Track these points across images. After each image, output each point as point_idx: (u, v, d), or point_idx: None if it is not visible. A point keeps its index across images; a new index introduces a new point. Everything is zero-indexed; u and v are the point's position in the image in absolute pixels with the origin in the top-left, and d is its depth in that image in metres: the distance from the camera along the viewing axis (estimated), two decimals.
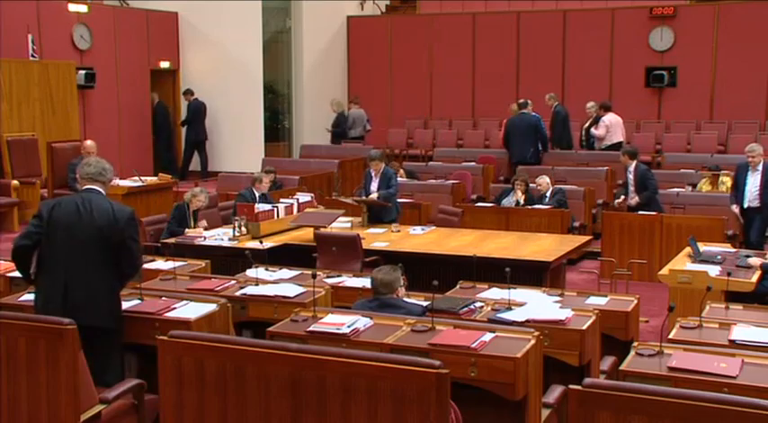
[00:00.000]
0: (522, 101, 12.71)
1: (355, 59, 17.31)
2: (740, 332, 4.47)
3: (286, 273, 6.07)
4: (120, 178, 10.18)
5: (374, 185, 8.54)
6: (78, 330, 3.96)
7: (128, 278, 4.69)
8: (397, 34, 16.93)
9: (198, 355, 3.65)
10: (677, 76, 14.79)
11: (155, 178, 11.15)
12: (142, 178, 10.40)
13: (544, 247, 7.36)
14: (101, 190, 4.65)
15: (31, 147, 12.06)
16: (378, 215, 8.43)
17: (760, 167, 8.58)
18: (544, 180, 9.88)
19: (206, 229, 8.14)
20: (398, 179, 9.43)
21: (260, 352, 3.57)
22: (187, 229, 7.97)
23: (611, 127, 12.73)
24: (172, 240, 7.70)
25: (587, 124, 13.04)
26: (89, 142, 10.16)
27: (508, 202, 9.81)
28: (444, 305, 4.81)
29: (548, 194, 9.78)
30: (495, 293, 5.36)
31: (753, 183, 8.67)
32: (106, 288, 4.55)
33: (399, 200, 8.97)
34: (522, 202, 9.71)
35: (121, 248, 4.50)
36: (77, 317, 4.07)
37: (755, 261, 6.50)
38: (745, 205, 8.71)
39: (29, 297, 5.04)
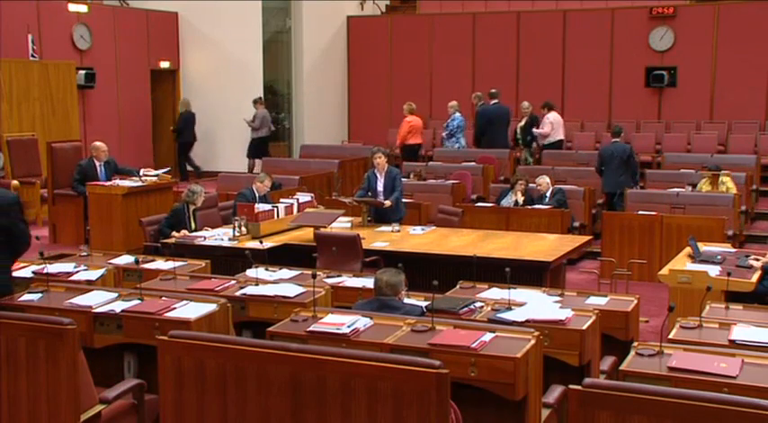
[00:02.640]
0: (493, 90, 13.37)
1: (355, 59, 17.31)
2: (740, 332, 4.47)
3: (286, 273, 6.07)
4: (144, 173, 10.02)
5: (380, 185, 8.54)
6: None
7: (20, 254, 5.09)
8: (397, 34, 16.93)
9: (198, 355, 3.65)
10: (677, 76, 14.79)
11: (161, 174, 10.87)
12: (152, 174, 10.22)
13: (544, 247, 7.36)
14: None
15: (30, 147, 12.06)
16: (383, 215, 8.42)
17: None
18: (544, 180, 9.89)
19: (205, 228, 8.14)
20: (406, 179, 9.50)
21: (260, 352, 3.57)
22: (184, 232, 7.97)
23: (555, 125, 13.20)
24: (172, 240, 7.70)
25: (522, 123, 13.45)
26: (99, 143, 10.12)
27: (507, 202, 9.82)
28: (444, 305, 4.81)
29: (548, 194, 9.79)
30: (495, 293, 5.36)
31: None
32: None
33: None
34: (520, 202, 9.71)
35: (10, 229, 4.89)
36: None
37: (756, 262, 6.50)
38: None
39: (29, 297, 5.05)
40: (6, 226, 4.87)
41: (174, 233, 7.90)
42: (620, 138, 11.18)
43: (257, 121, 14.82)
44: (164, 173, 10.16)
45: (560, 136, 13.33)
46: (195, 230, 8.09)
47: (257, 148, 14.86)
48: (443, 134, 13.53)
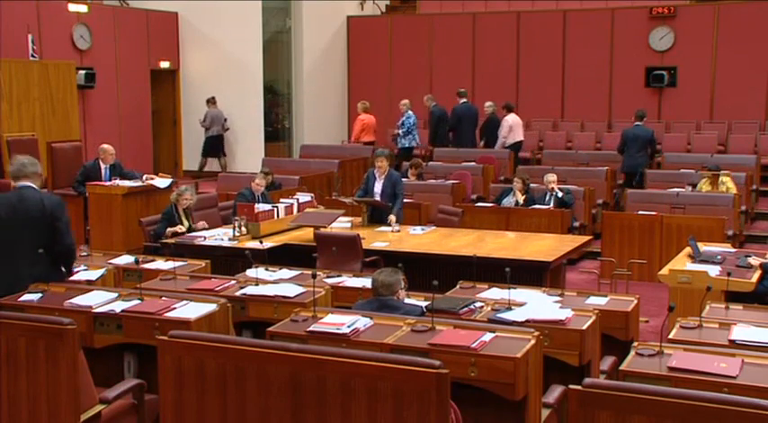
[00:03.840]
0: (461, 89, 14.01)
1: (355, 59, 17.31)
2: (740, 332, 4.47)
3: (286, 273, 6.07)
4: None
5: (378, 186, 8.52)
6: None
7: (60, 256, 5.22)
8: (397, 34, 16.93)
9: (198, 355, 3.65)
10: (677, 76, 14.79)
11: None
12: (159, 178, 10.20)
13: (544, 247, 7.36)
14: (34, 185, 5.21)
15: (31, 147, 12.02)
16: (381, 217, 8.42)
17: None
18: (552, 178, 9.83)
19: (205, 228, 8.14)
20: (407, 180, 9.48)
21: (260, 352, 3.57)
22: (180, 226, 8.01)
23: (513, 127, 13.47)
24: (172, 240, 7.70)
25: (483, 122, 13.81)
26: (107, 146, 10.07)
27: (508, 202, 9.81)
28: (444, 305, 4.81)
29: (558, 191, 9.70)
30: (495, 293, 5.36)
31: None
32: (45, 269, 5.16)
33: None
34: (521, 202, 9.70)
35: (53, 229, 5.11)
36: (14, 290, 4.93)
37: (755, 261, 6.50)
38: None
39: (29, 297, 5.05)
40: (47, 226, 5.08)
41: (168, 230, 7.93)
42: (643, 122, 11.97)
43: (207, 121, 15.29)
44: (170, 183, 9.76)
45: (519, 138, 13.60)
46: (190, 228, 8.10)
47: (210, 147, 15.43)
48: (399, 132, 13.82)
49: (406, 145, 13.69)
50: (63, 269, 5.36)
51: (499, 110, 13.70)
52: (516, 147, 13.49)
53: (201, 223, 8.24)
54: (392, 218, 8.26)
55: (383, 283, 4.72)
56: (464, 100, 13.72)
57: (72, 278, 5.78)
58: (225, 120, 15.52)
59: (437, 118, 13.88)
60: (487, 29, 16.14)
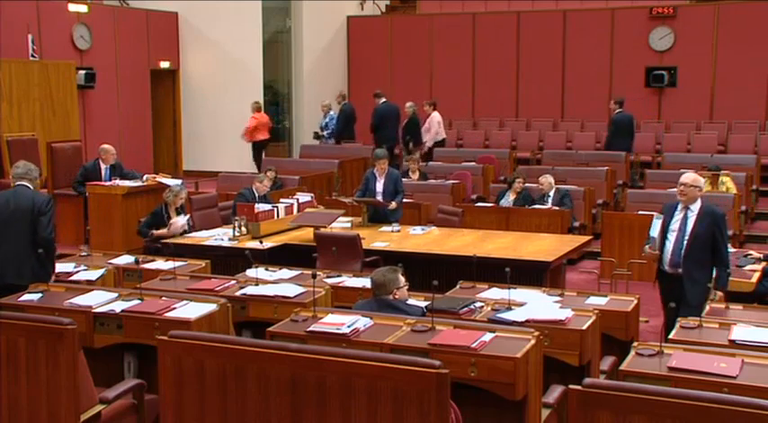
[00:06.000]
0: (378, 91, 14.37)
1: (355, 59, 17.31)
2: (740, 332, 4.47)
3: (286, 273, 6.07)
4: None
5: (379, 186, 8.55)
6: (6, 288, 5.25)
7: (43, 241, 5.68)
8: (397, 34, 16.92)
9: (198, 355, 3.65)
10: (677, 76, 14.78)
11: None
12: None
13: (544, 247, 7.36)
14: (29, 185, 5.86)
15: (31, 147, 12.05)
16: (381, 216, 8.42)
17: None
18: (547, 180, 9.85)
19: (191, 226, 8.12)
20: (410, 179, 9.49)
21: (260, 352, 3.57)
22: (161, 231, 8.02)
23: (438, 125, 13.89)
24: (171, 241, 7.70)
25: (405, 121, 13.93)
26: (107, 146, 10.07)
27: (506, 201, 9.82)
28: (444, 305, 4.81)
29: (551, 194, 9.73)
30: (495, 293, 5.36)
31: None
32: (29, 255, 5.66)
33: None
34: (511, 200, 9.69)
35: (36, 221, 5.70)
36: (5, 277, 5.56)
37: (757, 254, 6.57)
38: None
39: (29, 297, 5.05)
40: (34, 218, 5.68)
41: (154, 233, 7.96)
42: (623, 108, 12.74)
43: None
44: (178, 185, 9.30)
45: (443, 135, 14.04)
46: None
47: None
48: (324, 132, 14.45)
49: (327, 143, 14.31)
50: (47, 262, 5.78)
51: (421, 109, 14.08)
52: (440, 145, 13.90)
53: (181, 217, 8.12)
54: (394, 204, 8.35)
55: (377, 282, 4.72)
56: (383, 100, 14.04)
57: (72, 278, 5.79)
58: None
59: (346, 115, 14.36)
60: (487, 29, 16.13)
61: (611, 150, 12.53)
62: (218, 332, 4.66)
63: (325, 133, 14.42)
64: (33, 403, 4.02)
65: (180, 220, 8.05)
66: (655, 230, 5.93)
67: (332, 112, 14.39)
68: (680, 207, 5.91)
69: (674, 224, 5.85)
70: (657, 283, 6.03)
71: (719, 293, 5.59)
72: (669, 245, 5.83)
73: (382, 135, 13.75)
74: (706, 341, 4.34)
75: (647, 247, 6.03)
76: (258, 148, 14.40)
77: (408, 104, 14.03)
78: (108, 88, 14.33)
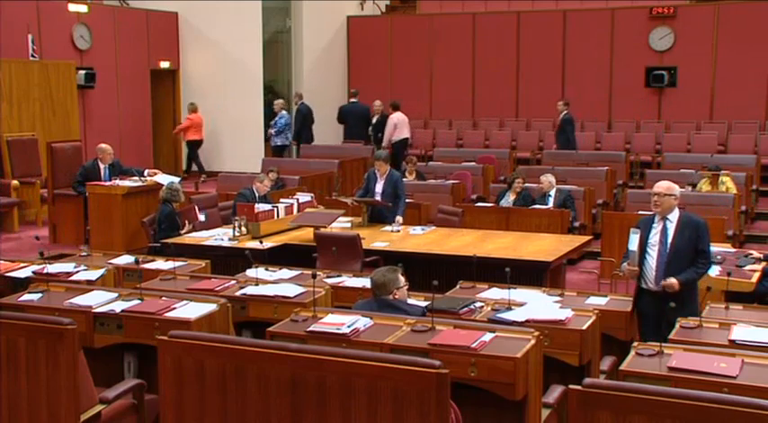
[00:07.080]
0: (353, 90, 15.29)
1: (355, 59, 17.31)
2: (740, 332, 4.47)
3: (286, 273, 6.07)
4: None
5: (379, 187, 8.54)
6: None
7: None
8: (397, 34, 16.92)
9: (198, 355, 3.65)
10: (677, 76, 14.78)
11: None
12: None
13: (544, 247, 7.36)
14: None
15: (31, 147, 12.06)
16: (381, 216, 8.42)
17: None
18: (547, 179, 9.84)
19: (193, 229, 8.19)
20: (406, 179, 9.47)
21: (260, 352, 3.57)
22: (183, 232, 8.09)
23: (399, 124, 14.05)
24: (171, 240, 7.70)
25: (374, 121, 14.52)
26: (104, 146, 10.06)
27: (506, 202, 9.81)
28: (444, 305, 4.81)
29: (552, 194, 9.72)
30: (495, 293, 5.36)
31: None
32: None
33: None
34: (511, 200, 9.68)
35: None
36: None
37: (758, 254, 6.58)
38: None
39: (29, 297, 5.05)
40: None
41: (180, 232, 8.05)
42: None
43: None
44: (177, 182, 9.14)
45: (405, 135, 14.17)
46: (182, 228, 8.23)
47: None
48: (272, 131, 14.55)
49: (278, 143, 14.50)
50: None
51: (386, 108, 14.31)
52: (402, 143, 14.07)
53: (189, 226, 8.26)
54: (399, 219, 8.28)
55: (377, 282, 4.71)
56: (354, 100, 14.86)
57: (72, 278, 5.79)
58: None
59: (302, 116, 14.54)
60: (487, 29, 16.13)
61: (567, 150, 13.01)
62: (218, 332, 4.66)
63: (272, 131, 14.50)
64: (33, 403, 4.02)
65: (200, 217, 8.34)
66: (633, 244, 5.38)
67: (283, 112, 14.47)
68: (657, 219, 5.41)
69: (653, 237, 5.37)
70: (634, 304, 5.39)
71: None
72: (651, 261, 5.34)
73: (347, 133, 14.65)
74: (706, 341, 4.34)
75: (624, 264, 5.50)
76: (192, 147, 15.09)
77: (377, 103, 14.55)
78: (108, 88, 14.33)
